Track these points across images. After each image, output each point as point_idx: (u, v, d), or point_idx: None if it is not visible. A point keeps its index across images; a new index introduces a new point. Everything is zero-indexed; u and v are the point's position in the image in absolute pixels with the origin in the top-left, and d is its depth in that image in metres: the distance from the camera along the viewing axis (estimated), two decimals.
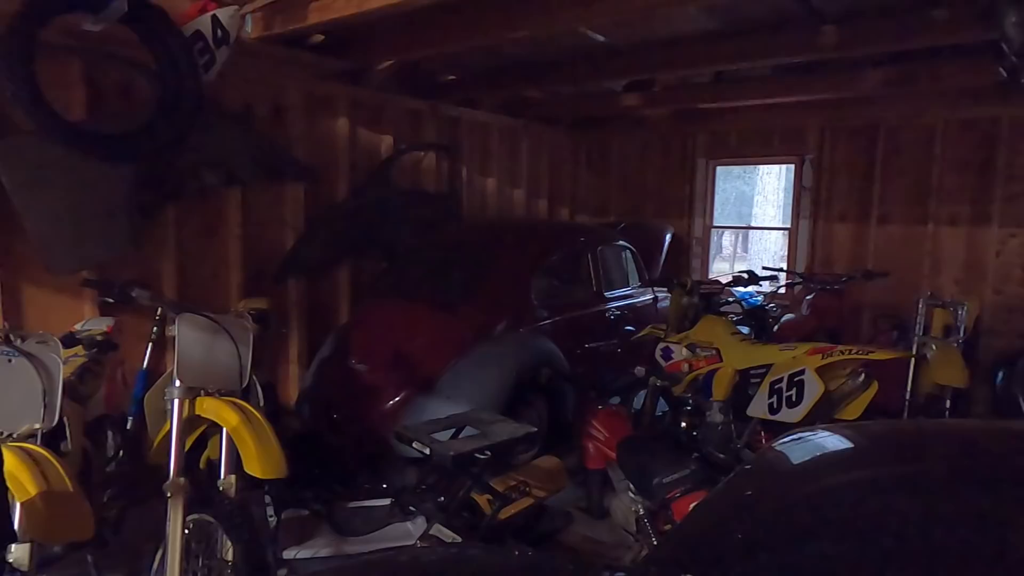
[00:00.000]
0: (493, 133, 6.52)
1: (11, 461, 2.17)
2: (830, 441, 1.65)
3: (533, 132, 7.04)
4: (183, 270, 4.19)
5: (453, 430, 2.97)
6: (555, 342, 4.41)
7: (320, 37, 4.37)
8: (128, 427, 3.59)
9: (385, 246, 5.20)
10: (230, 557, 2.60)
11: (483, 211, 6.41)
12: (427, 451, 2.65)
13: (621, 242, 5.59)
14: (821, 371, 3.27)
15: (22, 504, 2.17)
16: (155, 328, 3.85)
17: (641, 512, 2.72)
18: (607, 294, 5.22)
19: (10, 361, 2.32)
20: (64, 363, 2.47)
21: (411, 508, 3.06)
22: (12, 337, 2.41)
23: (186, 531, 2.52)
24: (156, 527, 2.66)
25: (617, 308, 5.26)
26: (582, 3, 3.62)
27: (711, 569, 1.39)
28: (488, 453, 2.66)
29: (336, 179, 5.04)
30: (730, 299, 5.11)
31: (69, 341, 2.76)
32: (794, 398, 3.30)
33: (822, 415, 3.21)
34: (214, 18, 3.47)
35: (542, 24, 3.85)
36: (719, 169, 7.55)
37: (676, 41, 4.74)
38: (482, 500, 2.87)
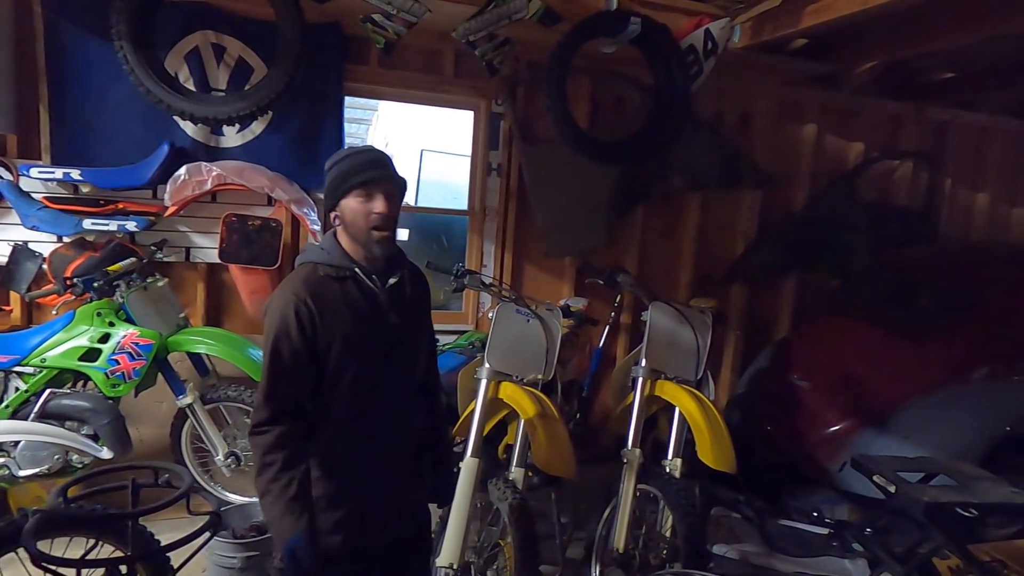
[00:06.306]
0: (994, 139, 5.41)
1: (519, 394, 2.71)
2: None
3: None
4: (642, 265, 4.60)
5: (922, 475, 2.59)
6: None
7: (801, 41, 4.26)
8: (584, 394, 4.15)
9: (840, 261, 4.83)
10: (668, 534, 2.79)
11: (967, 231, 5.40)
12: (892, 489, 2.37)
13: None
14: None
15: (526, 423, 2.67)
16: (612, 313, 4.36)
17: None
18: None
19: (528, 321, 2.90)
20: None
21: (855, 547, 2.79)
22: (528, 302, 3.00)
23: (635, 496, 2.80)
24: (599, 486, 3.03)
25: None
26: None
27: None
28: (974, 512, 2.25)
29: (795, 187, 4.87)
30: None
31: (564, 312, 3.31)
32: None
33: None
34: (707, 31, 3.68)
35: None
36: None
37: None
38: (942, 565, 2.44)
